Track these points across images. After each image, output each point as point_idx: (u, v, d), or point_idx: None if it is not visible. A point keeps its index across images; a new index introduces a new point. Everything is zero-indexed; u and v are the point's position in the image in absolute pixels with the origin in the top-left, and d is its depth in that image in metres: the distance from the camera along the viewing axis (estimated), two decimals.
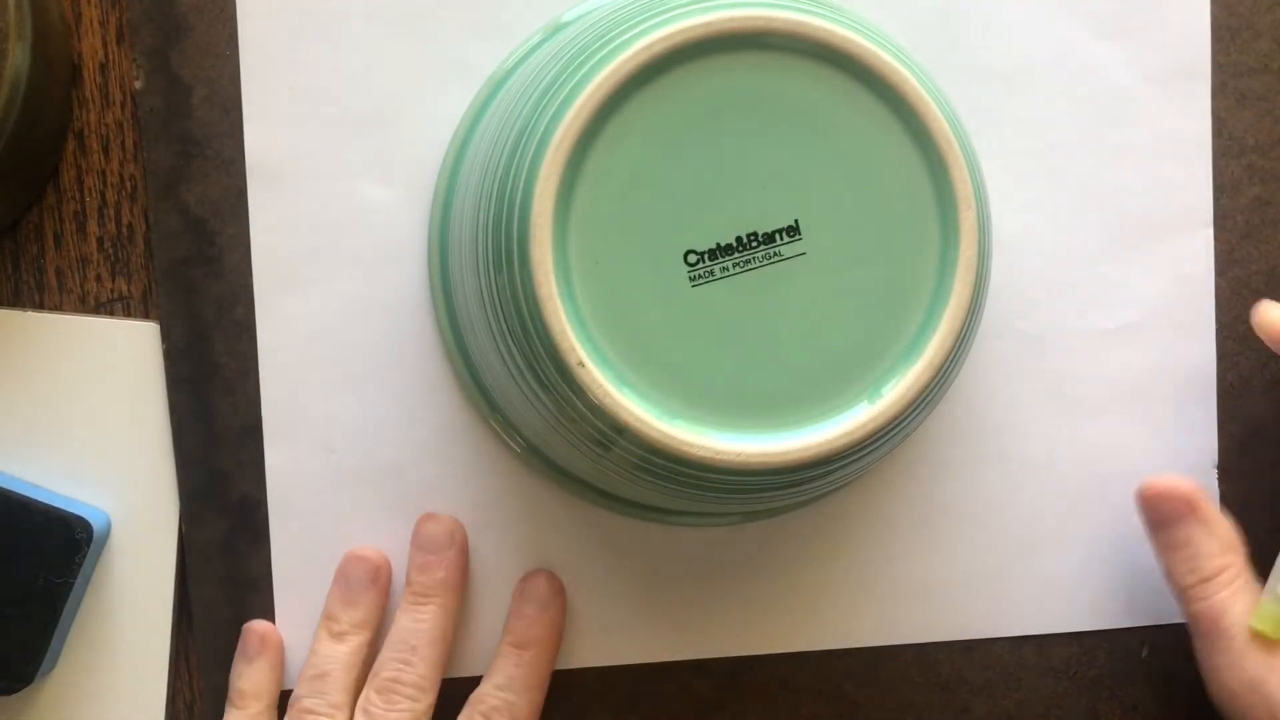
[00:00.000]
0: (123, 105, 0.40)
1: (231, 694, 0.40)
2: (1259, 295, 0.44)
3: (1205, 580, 0.37)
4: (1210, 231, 0.43)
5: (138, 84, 0.40)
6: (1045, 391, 0.43)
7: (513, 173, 0.33)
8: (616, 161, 0.33)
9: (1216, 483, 0.44)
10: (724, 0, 0.33)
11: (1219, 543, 0.38)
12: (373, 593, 0.40)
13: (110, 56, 0.40)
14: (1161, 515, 0.38)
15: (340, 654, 0.39)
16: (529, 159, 0.33)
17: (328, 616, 0.40)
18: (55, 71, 0.38)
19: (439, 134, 0.40)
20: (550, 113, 0.33)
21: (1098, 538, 0.43)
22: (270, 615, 0.41)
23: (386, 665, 0.38)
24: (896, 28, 0.41)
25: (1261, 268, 0.44)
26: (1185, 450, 0.43)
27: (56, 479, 0.40)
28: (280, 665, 0.40)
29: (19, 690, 0.39)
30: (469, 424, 0.41)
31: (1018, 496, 0.43)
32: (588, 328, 0.33)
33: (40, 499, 0.38)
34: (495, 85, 0.40)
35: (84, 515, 0.39)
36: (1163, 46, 0.42)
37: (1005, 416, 0.43)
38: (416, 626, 0.39)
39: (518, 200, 0.33)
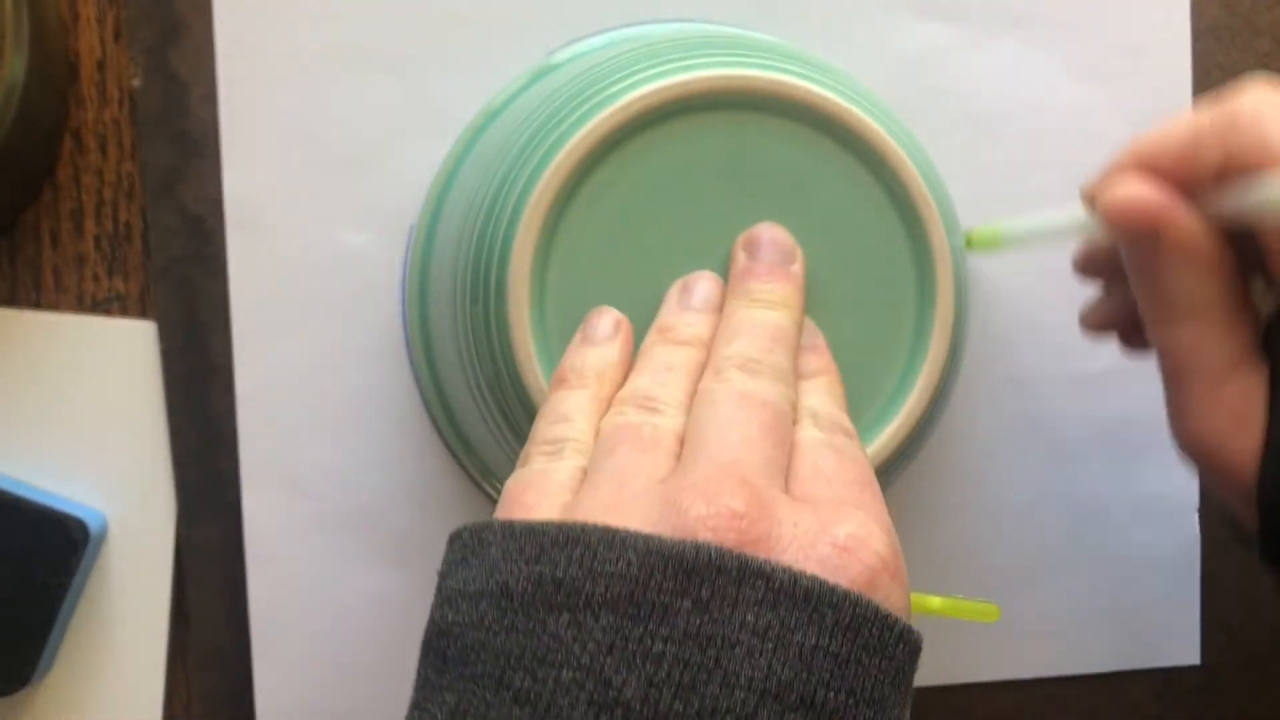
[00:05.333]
0: (120, 103, 0.40)
1: (566, 374, 0.32)
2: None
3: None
4: None
5: (135, 82, 0.39)
6: (1026, 436, 0.43)
7: (491, 229, 0.33)
8: (594, 219, 0.33)
9: (1198, 528, 0.44)
10: (707, 55, 0.33)
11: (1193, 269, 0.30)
12: (713, 314, 0.33)
13: (108, 54, 0.40)
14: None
15: (684, 357, 0.31)
16: (507, 218, 0.33)
17: (662, 328, 0.32)
18: (52, 69, 0.38)
19: (419, 180, 0.40)
20: (529, 170, 0.33)
21: (1081, 583, 0.43)
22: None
23: (740, 349, 0.30)
24: (875, 73, 0.41)
25: None
26: (1167, 495, 0.43)
27: (53, 479, 0.40)
28: (629, 359, 0.32)
29: (15, 692, 0.38)
30: (446, 470, 0.41)
31: (999, 541, 0.43)
32: None
33: (36, 499, 0.38)
34: (477, 131, 0.39)
35: (80, 516, 0.38)
36: (1143, 91, 0.42)
37: (986, 461, 0.43)
38: (767, 318, 0.31)
39: (495, 257, 0.33)
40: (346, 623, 0.41)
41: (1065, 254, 0.43)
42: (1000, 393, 0.42)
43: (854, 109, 0.33)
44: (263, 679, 0.40)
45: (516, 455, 0.35)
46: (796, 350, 0.32)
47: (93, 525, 0.39)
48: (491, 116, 0.39)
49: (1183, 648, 0.44)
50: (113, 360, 0.40)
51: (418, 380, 0.40)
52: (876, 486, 0.29)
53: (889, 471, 0.35)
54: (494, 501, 0.40)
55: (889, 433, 0.34)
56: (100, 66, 0.40)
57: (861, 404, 0.34)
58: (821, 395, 0.32)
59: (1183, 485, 0.43)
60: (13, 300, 0.40)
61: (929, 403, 0.34)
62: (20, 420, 0.40)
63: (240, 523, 0.40)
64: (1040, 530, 0.43)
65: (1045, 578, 0.43)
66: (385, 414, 0.41)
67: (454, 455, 0.40)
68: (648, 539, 0.24)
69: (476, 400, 0.35)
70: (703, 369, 0.31)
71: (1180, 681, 0.44)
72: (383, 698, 0.41)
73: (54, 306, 0.40)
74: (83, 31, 0.40)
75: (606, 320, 0.32)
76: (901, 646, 0.25)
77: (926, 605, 0.32)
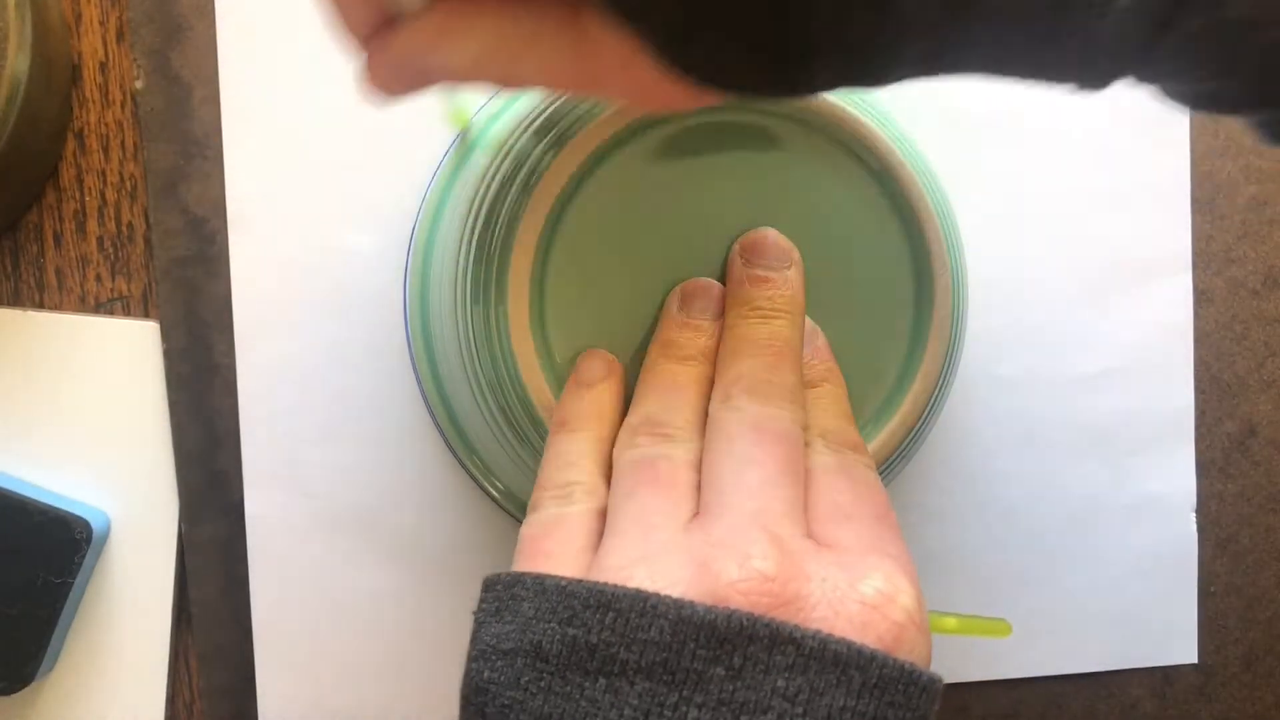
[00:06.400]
0: (123, 105, 0.40)
1: (566, 418, 0.32)
2: (1256, 294, 0.44)
3: None
4: (1189, 276, 0.43)
5: (138, 83, 0.39)
6: (1023, 436, 0.43)
7: (491, 230, 0.33)
8: (595, 220, 0.33)
9: (1195, 528, 0.44)
10: None
11: None
12: (714, 322, 0.33)
13: (110, 56, 0.40)
14: None
15: (690, 374, 0.31)
16: (507, 219, 0.33)
17: (665, 343, 0.32)
18: (55, 71, 0.38)
19: (420, 180, 0.40)
20: (530, 171, 0.33)
21: (1078, 582, 0.43)
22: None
23: (747, 369, 0.30)
24: None
25: (1258, 267, 0.44)
26: (1164, 495, 0.44)
27: (56, 478, 0.40)
28: (623, 398, 0.32)
29: (18, 690, 0.39)
30: (448, 469, 0.41)
31: (996, 541, 0.43)
32: (563, 380, 0.33)
33: (40, 499, 0.38)
34: (478, 132, 0.39)
35: (83, 515, 0.38)
36: (1143, 92, 0.42)
37: (983, 461, 0.43)
38: (770, 330, 0.31)
39: (495, 257, 0.33)
40: (348, 621, 0.41)
41: (1063, 254, 0.43)
42: (997, 393, 0.43)
43: (851, 111, 0.33)
44: (265, 677, 0.41)
45: (518, 455, 0.35)
46: (801, 358, 0.32)
47: (96, 524, 0.39)
48: (493, 118, 0.39)
49: (1180, 647, 0.44)
50: (115, 360, 0.40)
51: (419, 380, 0.40)
52: (892, 514, 0.29)
53: (886, 471, 0.35)
54: (495, 502, 0.40)
55: (886, 432, 0.34)
56: (103, 68, 0.40)
57: (859, 404, 0.34)
58: (828, 408, 0.32)
59: (1179, 485, 0.44)
60: (16, 300, 0.40)
61: (926, 403, 0.34)
62: (24, 420, 0.40)
63: (242, 522, 0.40)
64: (1037, 530, 0.43)
65: (1042, 577, 0.43)
66: (387, 413, 0.41)
67: (455, 455, 0.41)
68: (679, 606, 0.25)
69: (478, 400, 0.35)
70: (710, 383, 0.31)
71: (1178, 680, 0.44)
72: (384, 695, 0.41)
73: (57, 307, 0.40)
74: (85, 33, 0.40)
75: (598, 362, 0.33)
76: (924, 697, 0.25)
77: (941, 626, 0.32)
